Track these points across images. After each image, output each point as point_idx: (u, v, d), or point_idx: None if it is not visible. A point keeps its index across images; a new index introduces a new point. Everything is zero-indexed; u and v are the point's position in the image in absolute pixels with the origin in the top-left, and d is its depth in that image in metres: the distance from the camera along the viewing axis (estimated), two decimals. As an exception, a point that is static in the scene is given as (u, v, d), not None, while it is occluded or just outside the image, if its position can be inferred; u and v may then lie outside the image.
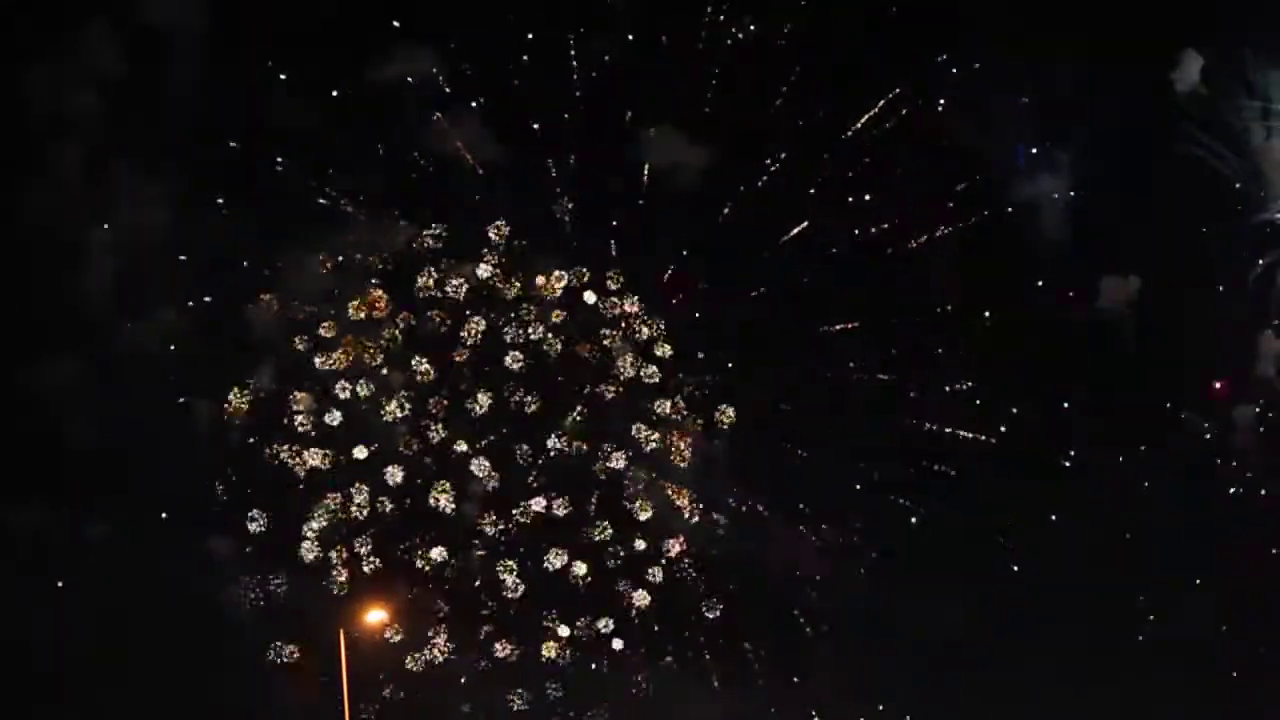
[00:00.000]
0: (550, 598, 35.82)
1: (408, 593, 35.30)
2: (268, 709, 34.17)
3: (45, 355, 34.56)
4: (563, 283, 36.25)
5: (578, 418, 36.43)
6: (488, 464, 35.85)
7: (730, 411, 36.55)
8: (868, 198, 36.77)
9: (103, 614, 33.58)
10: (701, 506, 36.30)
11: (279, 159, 35.66)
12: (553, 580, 35.90)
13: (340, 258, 35.98)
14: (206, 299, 35.52)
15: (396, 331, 35.94)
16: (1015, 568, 36.36)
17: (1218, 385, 36.30)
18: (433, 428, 35.92)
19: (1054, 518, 36.40)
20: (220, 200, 35.56)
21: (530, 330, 36.17)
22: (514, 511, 35.91)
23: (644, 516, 35.95)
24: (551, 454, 36.26)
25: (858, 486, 36.79)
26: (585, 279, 36.42)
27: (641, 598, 35.80)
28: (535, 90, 36.24)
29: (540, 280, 36.25)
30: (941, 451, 36.73)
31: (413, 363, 35.90)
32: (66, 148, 35.03)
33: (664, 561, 36.08)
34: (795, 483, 36.27)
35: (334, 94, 35.76)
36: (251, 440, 35.37)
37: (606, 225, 36.83)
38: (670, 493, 36.15)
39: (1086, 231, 36.85)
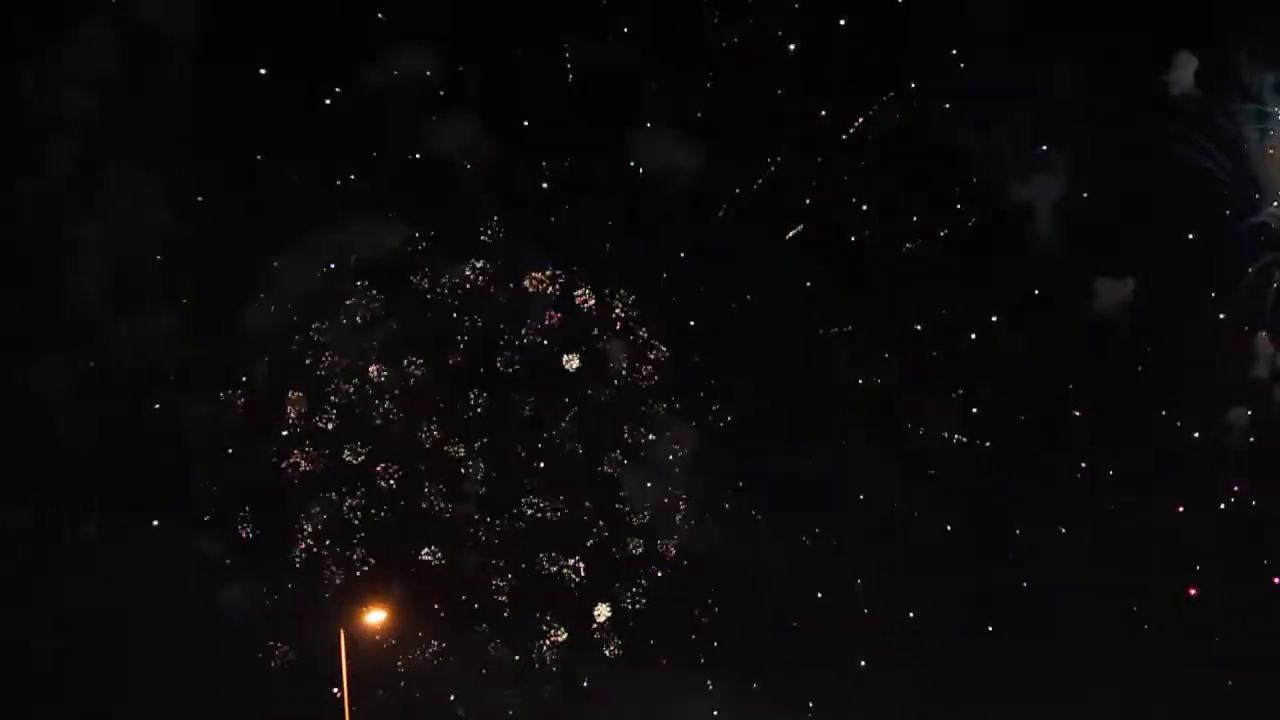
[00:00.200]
0: (547, 599, 35.89)
1: (405, 593, 35.24)
2: (266, 710, 34.08)
3: (40, 355, 34.53)
4: (557, 283, 36.35)
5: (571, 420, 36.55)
6: (483, 465, 35.94)
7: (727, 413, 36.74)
8: (864, 205, 37.06)
9: (98, 614, 33.51)
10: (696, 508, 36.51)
11: (276, 159, 35.68)
12: (549, 581, 35.98)
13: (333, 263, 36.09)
14: (202, 299, 35.55)
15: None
16: (1014, 569, 36.36)
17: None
18: (426, 429, 36.01)
19: (1050, 519, 36.42)
20: (216, 200, 35.58)
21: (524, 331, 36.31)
22: (510, 513, 36.11)
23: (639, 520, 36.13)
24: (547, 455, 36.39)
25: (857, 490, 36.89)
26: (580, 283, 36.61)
27: (603, 612, 35.82)
28: (530, 89, 36.28)
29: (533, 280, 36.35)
30: (938, 453, 36.85)
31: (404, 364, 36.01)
32: (61, 147, 34.98)
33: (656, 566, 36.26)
34: (792, 484, 36.28)
35: (330, 93, 35.89)
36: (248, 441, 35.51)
37: (601, 225, 36.92)
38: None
39: (1081, 234, 36.90)
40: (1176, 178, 36.21)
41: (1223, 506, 36.34)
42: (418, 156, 36.06)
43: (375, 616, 34.12)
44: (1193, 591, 36.07)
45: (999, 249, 37.02)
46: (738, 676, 36.24)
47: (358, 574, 35.20)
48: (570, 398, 36.59)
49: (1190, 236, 36.37)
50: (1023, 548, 36.50)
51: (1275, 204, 36.48)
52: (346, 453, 35.55)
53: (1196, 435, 36.57)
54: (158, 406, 35.28)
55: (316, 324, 35.76)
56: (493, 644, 35.60)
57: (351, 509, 35.50)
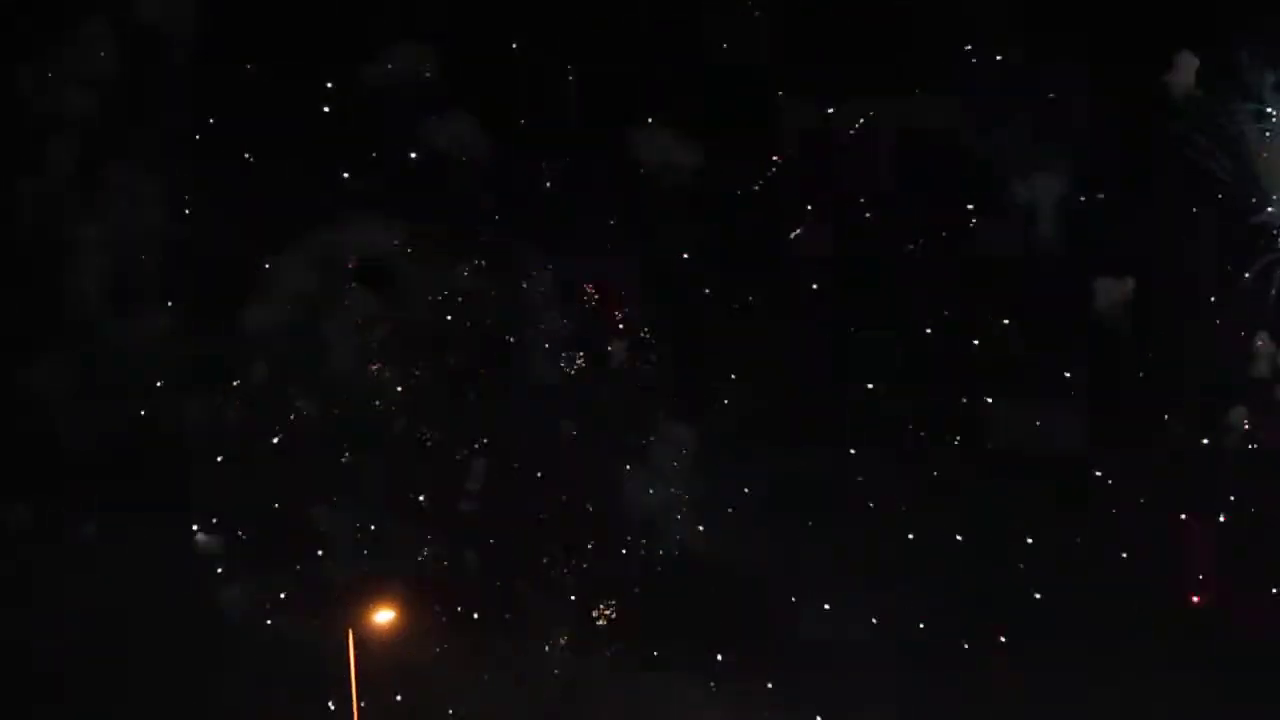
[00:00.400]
0: (548, 599, 35.90)
1: (404, 593, 35.25)
2: (266, 710, 34.10)
3: (39, 355, 34.56)
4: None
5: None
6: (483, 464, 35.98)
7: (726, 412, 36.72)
8: (865, 205, 36.98)
9: (98, 614, 33.54)
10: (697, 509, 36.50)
11: (275, 158, 35.66)
12: (549, 582, 35.99)
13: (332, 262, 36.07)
14: (201, 299, 35.55)
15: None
16: (1016, 571, 36.29)
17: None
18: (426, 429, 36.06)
19: (1054, 521, 36.34)
20: (215, 199, 35.57)
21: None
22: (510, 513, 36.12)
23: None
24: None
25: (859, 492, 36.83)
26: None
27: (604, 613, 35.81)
28: (529, 87, 36.25)
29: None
30: (940, 455, 36.81)
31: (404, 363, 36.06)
32: (58, 146, 35.00)
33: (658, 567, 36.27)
34: (794, 485, 36.23)
35: (329, 92, 35.89)
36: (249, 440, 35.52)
37: (602, 224, 36.85)
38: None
39: (1081, 234, 36.84)
40: (1177, 178, 36.18)
41: (1223, 519, 36.28)
42: (414, 155, 36.16)
43: (384, 616, 33.97)
44: (1195, 599, 35.97)
45: (999, 249, 36.92)
46: (742, 678, 36.14)
47: (360, 574, 35.23)
48: (571, 398, 36.62)
49: (1191, 237, 36.31)
50: (1025, 550, 36.38)
51: (1276, 204, 36.42)
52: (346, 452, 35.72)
53: (1197, 438, 36.50)
54: (157, 406, 35.29)
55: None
56: (493, 644, 35.65)
57: (352, 509, 35.61)
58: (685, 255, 36.82)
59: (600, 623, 36.00)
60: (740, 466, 36.45)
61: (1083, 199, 36.66)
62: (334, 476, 35.64)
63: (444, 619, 35.39)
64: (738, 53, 36.29)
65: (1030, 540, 36.22)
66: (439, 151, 36.06)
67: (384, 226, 35.86)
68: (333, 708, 34.04)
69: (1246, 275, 35.99)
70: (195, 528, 35.17)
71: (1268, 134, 36.11)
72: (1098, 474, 36.40)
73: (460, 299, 36.33)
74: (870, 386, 36.89)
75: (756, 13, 36.64)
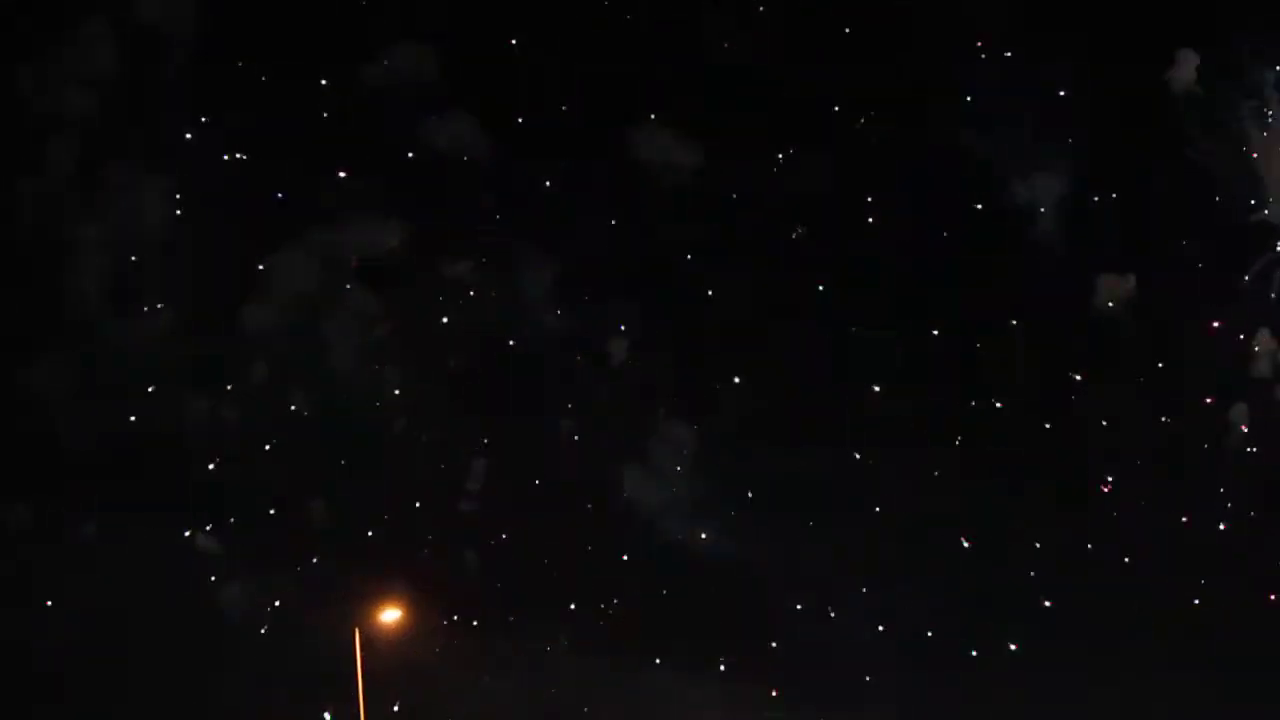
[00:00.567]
0: (549, 598, 35.90)
1: (406, 593, 35.25)
2: (266, 710, 34.11)
3: (38, 354, 34.60)
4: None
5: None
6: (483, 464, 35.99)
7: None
8: (866, 204, 36.96)
9: (99, 614, 33.58)
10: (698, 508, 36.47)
11: (274, 158, 35.67)
12: (550, 581, 35.99)
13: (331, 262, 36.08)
14: (199, 298, 35.57)
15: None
16: (1017, 572, 36.20)
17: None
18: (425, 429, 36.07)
19: (1055, 523, 36.30)
20: (215, 199, 35.59)
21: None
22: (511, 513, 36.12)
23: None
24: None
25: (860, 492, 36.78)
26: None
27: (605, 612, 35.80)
28: (529, 86, 36.22)
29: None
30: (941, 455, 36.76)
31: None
32: (57, 146, 35.02)
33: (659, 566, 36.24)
34: (795, 486, 36.20)
35: (329, 92, 35.90)
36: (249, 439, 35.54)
37: (602, 223, 36.82)
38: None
39: (1082, 233, 36.81)
40: (1178, 176, 36.14)
41: (1222, 525, 36.26)
42: (413, 155, 36.15)
43: (390, 615, 33.84)
44: (1196, 601, 35.90)
45: (999, 248, 36.89)
46: (743, 678, 36.09)
47: (360, 575, 35.23)
48: (571, 397, 36.63)
49: (1192, 234, 36.29)
50: (1028, 551, 36.35)
51: (1276, 202, 36.39)
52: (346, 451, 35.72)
53: (1198, 437, 36.44)
54: (156, 406, 35.31)
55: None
56: (494, 645, 35.64)
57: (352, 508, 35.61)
58: (687, 256, 36.78)
59: (601, 623, 35.95)
60: (741, 466, 36.45)
61: (1082, 198, 36.59)
62: (333, 476, 35.61)
63: (444, 620, 35.38)
64: (739, 51, 36.23)
65: (1031, 540, 36.18)
66: (438, 151, 36.04)
67: (383, 226, 35.86)
68: (328, 717, 33.99)
69: (1252, 269, 36.05)
70: (194, 529, 35.12)
71: (1271, 131, 36.08)
72: (1098, 474, 36.42)
73: (460, 299, 36.30)
74: (871, 386, 36.83)
75: (761, 7, 36.58)
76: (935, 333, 36.67)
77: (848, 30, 35.99)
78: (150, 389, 35.11)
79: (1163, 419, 36.27)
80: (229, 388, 35.62)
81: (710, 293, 36.91)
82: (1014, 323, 36.52)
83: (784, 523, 36.01)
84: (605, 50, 35.77)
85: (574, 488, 36.19)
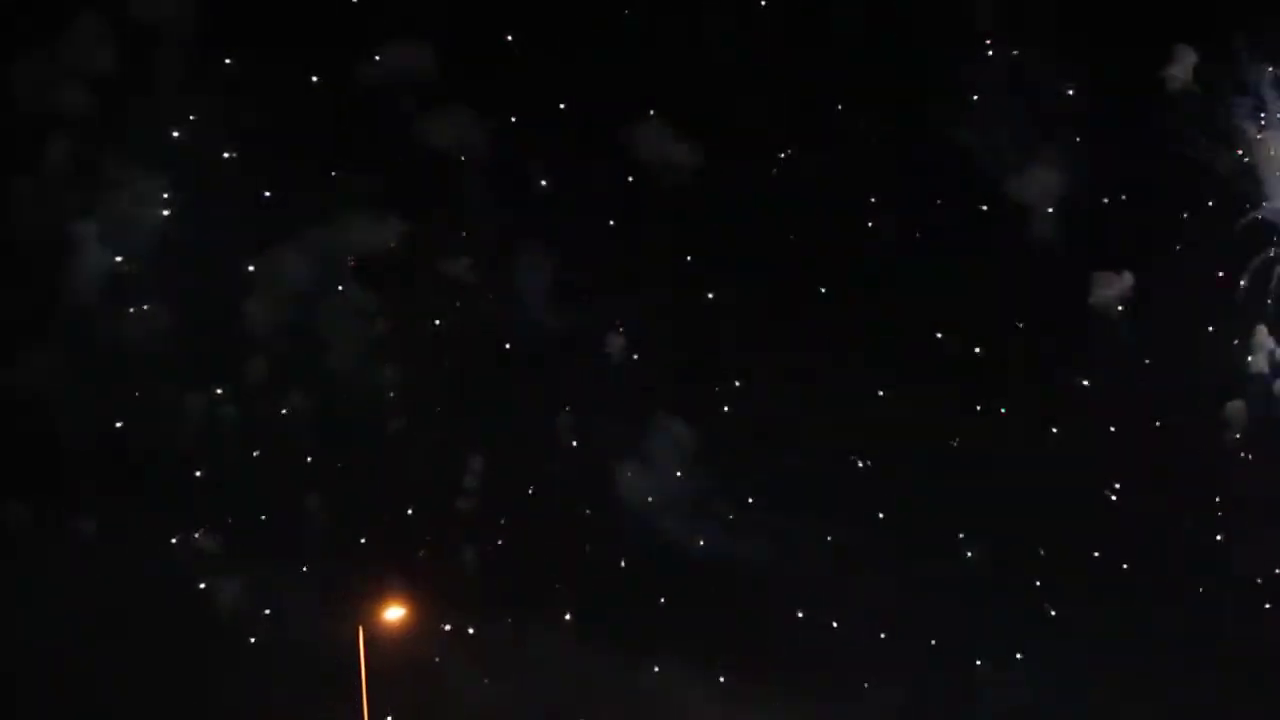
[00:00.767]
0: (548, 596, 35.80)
1: (405, 591, 35.13)
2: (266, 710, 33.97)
3: (35, 352, 34.46)
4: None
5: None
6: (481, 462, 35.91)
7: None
8: (864, 202, 36.95)
9: (98, 613, 33.44)
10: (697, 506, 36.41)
11: (271, 155, 35.58)
12: (549, 579, 35.91)
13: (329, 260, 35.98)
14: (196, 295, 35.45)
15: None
16: (1017, 570, 36.17)
17: None
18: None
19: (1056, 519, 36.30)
20: (212, 197, 35.50)
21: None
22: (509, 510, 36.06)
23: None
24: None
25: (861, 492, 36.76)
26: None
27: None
28: (528, 84, 36.17)
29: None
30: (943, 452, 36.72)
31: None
32: (53, 143, 34.90)
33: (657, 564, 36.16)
34: (795, 484, 36.16)
35: (326, 89, 35.82)
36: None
37: (601, 222, 36.76)
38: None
39: (1080, 230, 36.85)
40: (1175, 173, 36.21)
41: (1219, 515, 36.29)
42: (410, 153, 36.04)
43: (394, 613, 33.53)
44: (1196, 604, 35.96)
45: (995, 247, 36.90)
46: (747, 676, 35.99)
47: (360, 574, 35.11)
48: (569, 396, 36.57)
49: (1190, 231, 36.33)
50: (1029, 552, 36.30)
51: (1273, 199, 36.47)
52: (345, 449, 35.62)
53: (1197, 436, 36.46)
54: (154, 404, 35.18)
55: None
56: (493, 643, 35.54)
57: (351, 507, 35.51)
58: (686, 255, 36.75)
59: (600, 622, 35.85)
60: (740, 465, 36.43)
61: (1079, 196, 36.62)
62: (332, 475, 35.50)
63: (443, 619, 35.24)
64: (739, 49, 36.20)
65: (1033, 539, 36.15)
66: (436, 149, 35.96)
67: (381, 224, 35.78)
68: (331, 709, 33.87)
69: (1250, 265, 36.11)
70: (192, 528, 35.00)
71: (1268, 128, 36.17)
72: (1100, 471, 36.42)
73: (457, 297, 36.24)
74: (871, 386, 36.75)
75: (762, 3, 36.63)
76: (936, 331, 36.70)
77: (848, 29, 35.93)
78: (148, 387, 35.00)
79: (1162, 417, 36.34)
80: (225, 387, 35.52)
81: (709, 292, 36.91)
82: (1018, 325, 36.55)
83: (784, 522, 36.02)
84: (604, 48, 35.80)
85: (572, 487, 36.17)
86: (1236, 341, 36.55)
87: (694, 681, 35.83)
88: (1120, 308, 36.67)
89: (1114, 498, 36.48)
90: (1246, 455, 36.45)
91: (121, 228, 34.86)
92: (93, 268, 34.81)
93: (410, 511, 35.68)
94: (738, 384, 36.91)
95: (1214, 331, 36.52)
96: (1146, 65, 36.34)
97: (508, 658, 35.30)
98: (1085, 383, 36.96)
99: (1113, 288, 36.71)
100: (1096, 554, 36.39)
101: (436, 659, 35.14)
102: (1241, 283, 36.44)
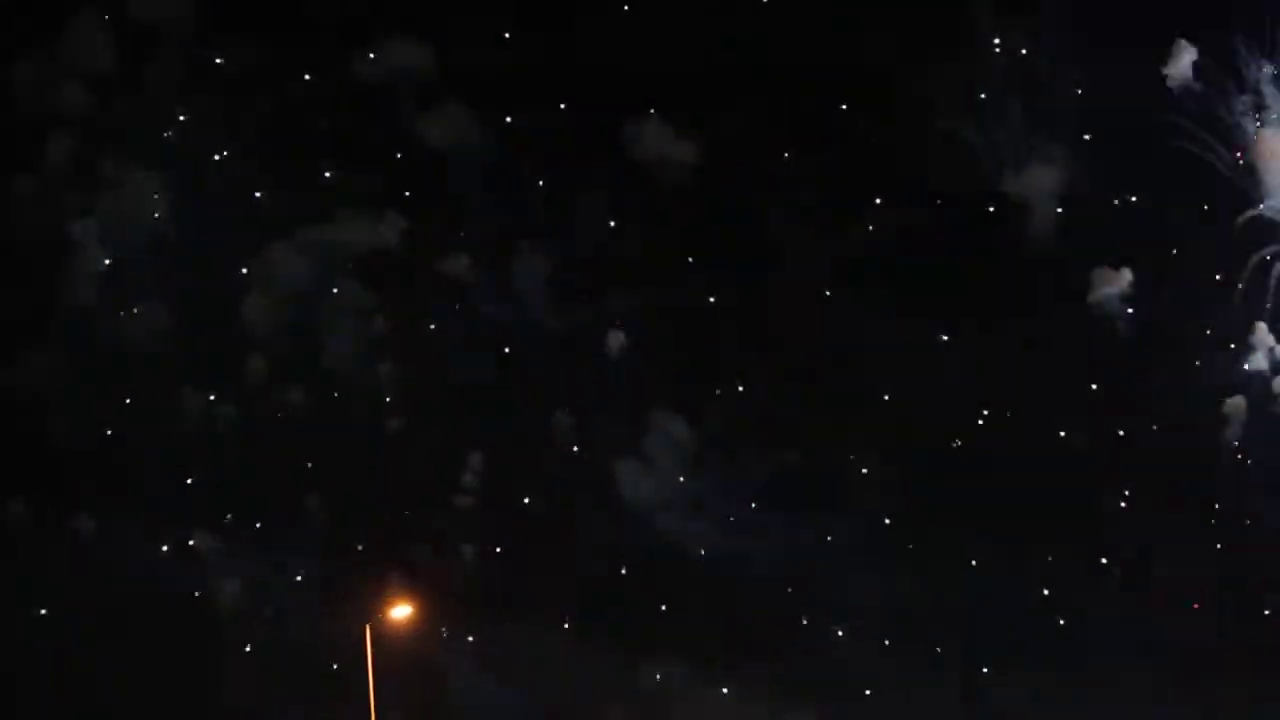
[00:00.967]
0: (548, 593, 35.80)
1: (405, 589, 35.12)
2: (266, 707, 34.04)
3: (34, 351, 34.52)
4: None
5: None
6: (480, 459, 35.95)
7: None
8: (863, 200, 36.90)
9: (98, 613, 33.50)
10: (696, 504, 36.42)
11: (268, 154, 35.62)
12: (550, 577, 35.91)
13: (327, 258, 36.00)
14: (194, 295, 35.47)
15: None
16: (1018, 567, 36.08)
17: None
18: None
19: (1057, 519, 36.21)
20: (210, 196, 35.53)
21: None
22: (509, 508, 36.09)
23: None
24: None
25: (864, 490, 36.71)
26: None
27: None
28: (526, 81, 36.13)
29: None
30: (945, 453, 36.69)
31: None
32: (54, 142, 34.96)
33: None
34: (797, 483, 36.14)
35: (324, 87, 35.83)
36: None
37: (600, 219, 36.73)
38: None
39: (1079, 228, 36.78)
40: (1175, 170, 36.12)
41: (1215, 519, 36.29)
42: (407, 151, 36.04)
43: (401, 611, 33.06)
44: (1195, 605, 35.86)
45: (995, 243, 36.83)
46: (747, 678, 35.93)
47: (362, 572, 35.13)
48: (569, 392, 36.58)
49: (1190, 229, 36.25)
50: (1029, 550, 36.22)
51: (1273, 196, 36.40)
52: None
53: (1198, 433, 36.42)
54: (153, 402, 35.23)
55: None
56: (494, 640, 35.57)
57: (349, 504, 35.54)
58: (685, 253, 36.71)
59: (600, 620, 35.88)
60: (740, 465, 36.39)
61: (1080, 193, 36.57)
62: (331, 473, 35.51)
63: (442, 618, 35.26)
64: (739, 47, 36.11)
65: (1035, 539, 36.09)
66: (434, 147, 35.96)
67: (380, 222, 35.80)
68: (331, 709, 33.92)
69: (1250, 263, 36.03)
70: (191, 526, 35.04)
71: (1267, 125, 36.09)
72: (1106, 474, 36.37)
73: (456, 295, 36.26)
74: (874, 386, 36.70)
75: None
76: (938, 329, 36.67)
77: (847, 26, 35.83)
78: (147, 387, 35.04)
79: (1163, 415, 36.29)
80: (224, 387, 35.57)
81: (708, 290, 36.88)
82: (1020, 323, 36.42)
83: (785, 523, 35.99)
84: (604, 46, 35.74)
85: (571, 486, 36.18)
86: (1236, 339, 36.40)
87: (694, 682, 35.83)
88: (1120, 305, 36.56)
89: (1122, 503, 36.36)
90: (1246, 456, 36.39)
91: (119, 227, 34.94)
92: (91, 267, 34.89)
93: (409, 511, 35.71)
94: (738, 383, 36.85)
95: (1213, 329, 36.34)
96: (1147, 62, 36.24)
97: (508, 656, 35.34)
98: (1086, 381, 36.76)
99: (1112, 285, 36.59)
100: (1104, 559, 36.34)
101: (435, 658, 35.12)
102: (1241, 281, 36.36)
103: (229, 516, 35.30)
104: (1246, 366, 36.32)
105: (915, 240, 36.56)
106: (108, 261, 35.08)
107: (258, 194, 35.56)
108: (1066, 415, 36.76)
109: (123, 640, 33.28)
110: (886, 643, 36.13)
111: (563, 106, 36.19)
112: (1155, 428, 36.39)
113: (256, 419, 35.74)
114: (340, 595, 34.20)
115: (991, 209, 36.84)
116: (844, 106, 36.89)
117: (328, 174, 35.94)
